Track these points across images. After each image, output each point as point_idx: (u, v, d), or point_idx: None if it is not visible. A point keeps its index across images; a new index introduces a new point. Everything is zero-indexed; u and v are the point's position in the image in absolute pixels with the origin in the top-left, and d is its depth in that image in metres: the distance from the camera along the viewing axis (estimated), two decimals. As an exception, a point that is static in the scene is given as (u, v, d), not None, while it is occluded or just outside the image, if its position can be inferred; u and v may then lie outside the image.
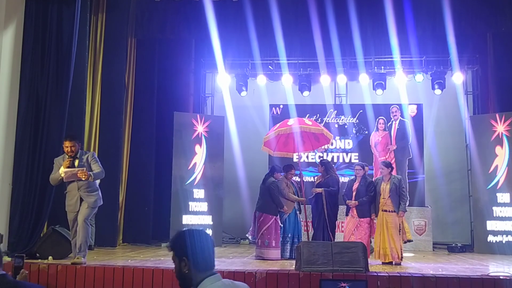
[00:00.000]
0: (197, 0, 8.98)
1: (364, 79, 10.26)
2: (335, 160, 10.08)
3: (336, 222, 7.71)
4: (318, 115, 10.32)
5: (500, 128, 8.88)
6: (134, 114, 9.82)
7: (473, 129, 9.31)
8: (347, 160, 10.22)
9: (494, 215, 8.67)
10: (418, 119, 10.11)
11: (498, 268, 6.31)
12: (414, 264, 6.90)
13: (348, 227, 7.27)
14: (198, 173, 9.41)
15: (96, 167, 5.89)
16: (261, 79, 10.59)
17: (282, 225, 7.33)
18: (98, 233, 8.19)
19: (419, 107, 10.19)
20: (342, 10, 8.92)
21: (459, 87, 10.24)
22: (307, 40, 9.72)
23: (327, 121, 10.22)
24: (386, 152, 10.04)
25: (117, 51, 9.08)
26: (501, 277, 5.11)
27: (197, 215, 9.25)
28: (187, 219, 9.15)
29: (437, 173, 10.13)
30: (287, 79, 10.42)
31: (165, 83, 10.20)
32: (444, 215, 10.06)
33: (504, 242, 8.54)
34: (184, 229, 2.35)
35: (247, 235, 7.91)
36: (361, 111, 10.23)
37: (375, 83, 10.24)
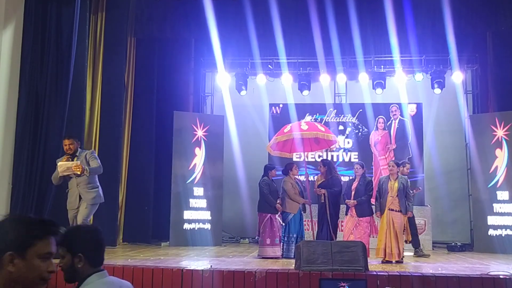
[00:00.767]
0: (197, -1, 9.00)
1: (364, 78, 10.25)
2: (334, 159, 10.08)
3: (338, 221, 7.71)
4: (317, 114, 10.33)
5: (500, 132, 8.98)
6: (133, 113, 9.83)
7: (473, 128, 9.33)
8: (346, 159, 10.23)
9: (494, 211, 8.78)
10: (417, 118, 10.11)
11: (498, 267, 6.32)
12: (414, 263, 6.91)
13: (347, 226, 7.29)
14: (198, 173, 9.43)
15: (94, 163, 5.92)
16: (261, 78, 10.58)
17: (284, 224, 7.34)
18: (98, 232, 8.17)
19: (419, 106, 10.20)
20: (342, 9, 8.93)
21: (458, 86, 10.24)
22: (307, 39, 9.71)
23: (326, 120, 10.22)
24: (386, 151, 10.04)
25: (116, 50, 9.07)
26: (500, 276, 5.11)
27: (197, 211, 9.27)
28: (188, 215, 9.17)
29: (437, 172, 10.13)
30: (286, 78, 10.41)
31: (164, 82, 10.20)
32: (443, 214, 10.07)
33: (503, 235, 8.67)
34: (79, 225, 2.45)
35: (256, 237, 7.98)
36: (361, 110, 10.24)
37: (374, 82, 10.24)
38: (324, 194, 7.41)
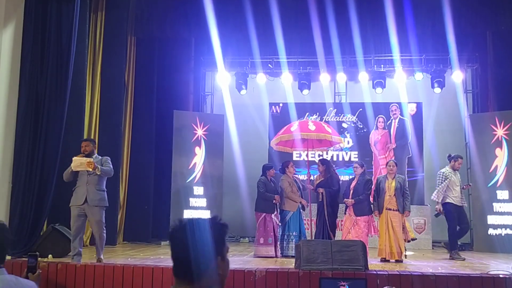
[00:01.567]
0: (197, -2, 8.99)
1: (364, 77, 10.25)
2: (334, 159, 10.08)
3: (337, 220, 7.72)
4: (317, 113, 10.32)
5: (500, 131, 9.00)
6: (133, 112, 9.84)
7: (473, 127, 9.34)
8: (346, 158, 10.23)
9: (494, 211, 8.80)
10: (417, 118, 10.11)
11: (498, 266, 6.32)
12: (414, 262, 6.91)
13: (345, 226, 7.30)
14: (197, 172, 9.44)
15: (107, 166, 6.21)
16: (261, 78, 10.58)
17: (280, 224, 7.36)
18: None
19: (419, 106, 10.19)
20: (342, 8, 8.92)
21: (458, 86, 10.24)
22: (307, 39, 9.71)
23: (326, 120, 10.21)
24: (386, 151, 10.04)
25: (116, 50, 9.08)
26: (500, 276, 5.12)
27: (197, 210, 9.28)
28: (187, 214, 9.17)
29: (437, 171, 10.02)
30: (286, 78, 10.41)
31: (164, 82, 10.20)
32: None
33: (503, 235, 8.70)
34: None
35: None
36: (361, 109, 10.24)
37: (374, 82, 10.24)
38: (322, 193, 7.42)
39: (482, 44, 9.98)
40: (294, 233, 7.28)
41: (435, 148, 10.20)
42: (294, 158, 9.91)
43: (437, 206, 7.64)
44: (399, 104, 10.16)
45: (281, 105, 10.50)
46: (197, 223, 1.66)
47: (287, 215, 7.32)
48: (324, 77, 10.37)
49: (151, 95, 10.02)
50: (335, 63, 10.19)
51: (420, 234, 9.18)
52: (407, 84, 10.32)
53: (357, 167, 7.40)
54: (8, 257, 5.67)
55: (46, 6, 7.29)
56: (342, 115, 10.34)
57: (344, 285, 4.84)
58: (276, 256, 7.22)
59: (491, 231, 8.78)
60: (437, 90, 10.07)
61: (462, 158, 7.90)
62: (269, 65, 10.54)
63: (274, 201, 7.37)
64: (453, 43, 9.30)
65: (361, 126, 10.26)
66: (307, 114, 10.26)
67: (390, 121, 10.17)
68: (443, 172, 7.61)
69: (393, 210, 6.92)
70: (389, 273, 5.20)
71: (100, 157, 6.31)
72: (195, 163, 9.45)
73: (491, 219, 8.80)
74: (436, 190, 7.58)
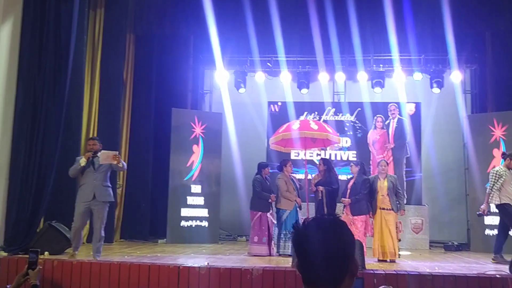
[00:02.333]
0: (196, -4, 8.98)
1: (363, 77, 10.25)
2: (332, 158, 10.08)
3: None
4: (316, 112, 10.32)
5: (498, 132, 9.01)
6: (132, 110, 9.83)
7: (471, 128, 9.34)
8: (344, 158, 10.23)
9: (491, 211, 8.74)
10: (416, 118, 10.11)
11: (495, 266, 6.32)
12: (411, 262, 6.92)
13: (342, 225, 7.27)
14: (195, 170, 9.42)
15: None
16: (260, 76, 10.57)
17: (275, 222, 7.36)
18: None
19: (418, 106, 10.19)
20: (341, 8, 8.92)
21: (457, 86, 10.24)
22: (306, 38, 9.70)
23: (325, 119, 10.21)
24: (384, 150, 10.04)
25: (115, 47, 9.06)
26: (497, 276, 5.12)
27: (194, 208, 9.27)
28: (185, 212, 9.18)
29: (435, 171, 10.14)
30: (285, 76, 10.40)
31: (163, 79, 10.18)
32: (441, 214, 10.07)
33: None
34: None
35: None
36: (359, 109, 10.23)
37: (373, 81, 10.24)
38: (322, 191, 7.41)
39: (481, 45, 9.98)
40: (291, 232, 7.25)
41: (433, 148, 10.21)
42: (293, 157, 9.90)
43: (482, 207, 7.17)
44: (398, 104, 10.17)
45: (279, 104, 10.49)
46: (321, 222, 1.51)
47: (283, 214, 7.32)
48: (323, 76, 10.36)
49: (150, 92, 10.00)
50: (334, 62, 10.19)
51: (418, 234, 9.19)
52: (406, 84, 10.32)
53: (353, 166, 7.41)
54: (4, 254, 5.67)
55: (45, 3, 7.26)
56: (341, 114, 10.33)
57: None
58: (269, 255, 7.22)
59: (488, 232, 8.78)
60: (436, 90, 10.08)
61: None
62: (268, 63, 10.53)
63: (270, 200, 7.37)
64: (452, 43, 9.31)
65: (360, 126, 10.26)
66: (305, 113, 10.26)
67: (388, 121, 10.17)
68: (497, 171, 7.10)
69: (387, 209, 6.92)
70: (386, 272, 5.20)
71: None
72: (193, 161, 9.43)
73: (488, 220, 8.75)
74: (488, 189, 7.06)
